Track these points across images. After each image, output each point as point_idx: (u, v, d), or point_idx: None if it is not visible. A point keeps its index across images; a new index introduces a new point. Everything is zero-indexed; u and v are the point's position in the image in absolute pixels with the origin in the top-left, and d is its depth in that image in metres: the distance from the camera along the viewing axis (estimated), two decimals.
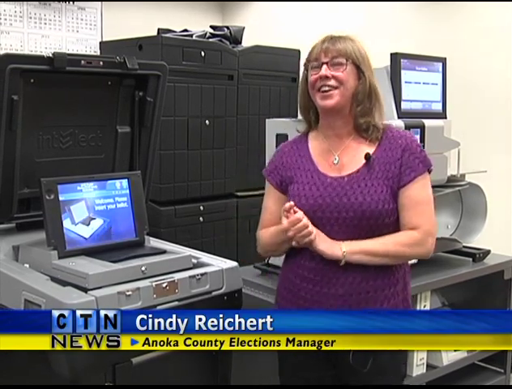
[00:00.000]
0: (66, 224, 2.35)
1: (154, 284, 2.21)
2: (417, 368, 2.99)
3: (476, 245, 3.23)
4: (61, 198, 2.34)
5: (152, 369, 2.22)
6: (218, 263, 2.45)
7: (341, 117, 2.05)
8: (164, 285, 2.23)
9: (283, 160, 2.15)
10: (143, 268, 2.26)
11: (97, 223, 2.43)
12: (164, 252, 2.46)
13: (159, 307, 2.19)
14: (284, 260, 2.19)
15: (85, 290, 2.10)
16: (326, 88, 2.00)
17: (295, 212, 1.93)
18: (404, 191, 2.01)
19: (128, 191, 2.54)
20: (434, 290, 3.11)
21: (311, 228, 1.94)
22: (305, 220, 1.94)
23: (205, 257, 2.52)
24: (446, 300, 3.34)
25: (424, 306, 3.00)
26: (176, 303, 2.25)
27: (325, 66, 2.01)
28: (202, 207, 4.11)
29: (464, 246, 3.21)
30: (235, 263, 2.47)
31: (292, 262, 2.11)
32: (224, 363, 2.46)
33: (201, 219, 4.09)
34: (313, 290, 2.03)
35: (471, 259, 3.16)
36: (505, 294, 3.25)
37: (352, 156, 2.05)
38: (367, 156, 2.02)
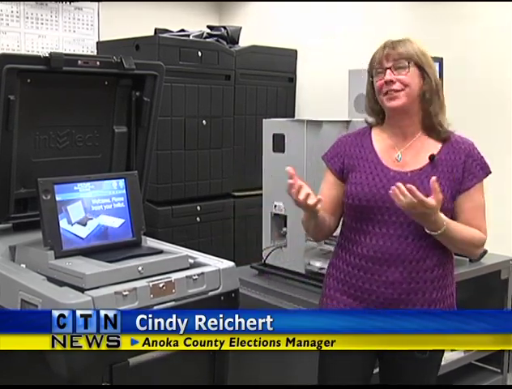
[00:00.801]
0: (63, 224, 2.34)
1: (151, 284, 2.21)
2: None
3: None
4: (57, 199, 2.34)
5: (149, 370, 2.21)
6: (215, 263, 2.45)
7: (408, 117, 2.10)
8: (161, 285, 2.23)
9: (346, 149, 2.19)
10: (140, 268, 2.26)
11: (94, 223, 2.43)
12: (160, 252, 2.46)
13: (155, 307, 2.19)
14: (334, 251, 2.24)
15: (82, 290, 2.10)
16: (392, 92, 2.05)
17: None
18: (466, 195, 2.08)
19: (125, 191, 2.53)
20: None
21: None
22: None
23: (202, 257, 2.52)
24: None
25: None
26: (173, 303, 2.25)
27: (388, 71, 2.05)
28: (199, 207, 4.11)
29: None
30: (232, 263, 2.47)
31: (344, 251, 2.15)
32: (221, 363, 2.46)
33: (198, 219, 4.09)
34: (364, 277, 2.08)
35: (467, 259, 3.16)
36: (502, 294, 3.26)
37: (416, 155, 2.10)
38: (431, 157, 2.07)
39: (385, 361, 2.21)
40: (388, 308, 2.04)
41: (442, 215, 1.96)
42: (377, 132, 2.19)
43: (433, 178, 1.92)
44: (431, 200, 1.89)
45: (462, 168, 2.08)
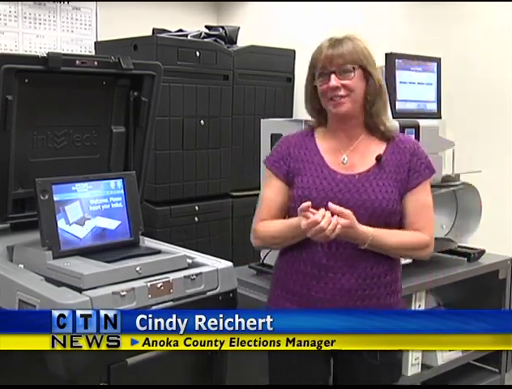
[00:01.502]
0: (61, 224, 2.34)
1: (149, 284, 2.21)
2: (412, 368, 3.00)
3: (471, 244, 3.23)
4: (55, 199, 2.34)
5: (147, 370, 2.21)
6: (213, 263, 2.45)
7: (352, 120, 2.06)
8: (159, 285, 2.23)
9: (290, 151, 2.12)
10: (138, 268, 2.25)
11: (92, 223, 2.43)
12: (158, 252, 2.46)
13: (154, 307, 2.18)
14: (281, 257, 2.16)
15: (80, 290, 2.10)
16: (338, 98, 2.00)
17: (312, 213, 1.88)
18: (411, 195, 2.05)
19: (123, 191, 2.53)
20: (429, 290, 3.11)
21: (332, 223, 1.86)
22: (325, 219, 1.86)
23: (200, 257, 2.52)
24: (441, 300, 3.34)
25: (419, 306, 3.00)
26: (171, 303, 2.24)
27: (333, 76, 2.00)
28: (197, 207, 4.11)
29: (459, 246, 3.21)
30: (230, 263, 2.47)
31: (292, 259, 2.08)
32: (219, 363, 2.46)
33: (196, 219, 4.09)
34: (317, 286, 2.03)
35: (465, 259, 3.16)
36: (499, 294, 3.26)
37: (362, 157, 2.07)
38: (378, 158, 2.04)
39: (338, 360, 2.14)
40: None
41: (366, 228, 1.94)
42: (320, 134, 2.14)
43: (303, 205, 1.88)
44: (341, 220, 1.87)
45: (407, 168, 2.05)
